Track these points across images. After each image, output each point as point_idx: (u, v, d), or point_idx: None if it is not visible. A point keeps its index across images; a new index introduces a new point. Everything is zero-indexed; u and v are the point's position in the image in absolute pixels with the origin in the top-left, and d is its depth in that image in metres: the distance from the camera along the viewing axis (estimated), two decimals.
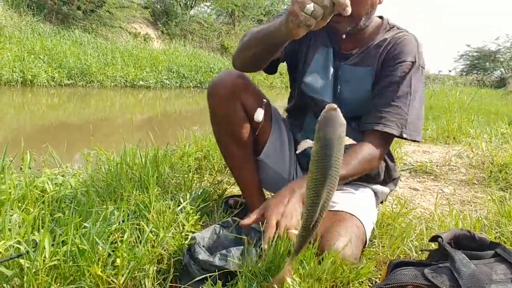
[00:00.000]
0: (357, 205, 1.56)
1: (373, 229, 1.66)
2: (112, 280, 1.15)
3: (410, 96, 1.49)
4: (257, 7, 23.53)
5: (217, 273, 1.19)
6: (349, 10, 1.01)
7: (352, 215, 1.48)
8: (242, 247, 1.27)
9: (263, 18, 23.54)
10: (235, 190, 2.19)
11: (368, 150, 1.47)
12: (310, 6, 1.00)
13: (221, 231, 1.42)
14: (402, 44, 1.54)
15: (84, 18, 14.04)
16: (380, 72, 1.56)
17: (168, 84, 13.34)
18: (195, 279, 1.21)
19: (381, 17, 1.64)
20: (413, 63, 1.51)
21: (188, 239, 1.39)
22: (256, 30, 1.40)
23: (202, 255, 1.25)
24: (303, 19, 1.03)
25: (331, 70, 1.63)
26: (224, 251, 1.26)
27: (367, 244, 1.51)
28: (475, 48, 31.10)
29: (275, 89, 17.20)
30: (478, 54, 30.97)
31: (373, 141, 1.50)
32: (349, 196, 1.63)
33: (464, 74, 31.26)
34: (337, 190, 1.66)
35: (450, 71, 31.58)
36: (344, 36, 1.57)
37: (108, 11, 14.60)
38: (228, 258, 1.22)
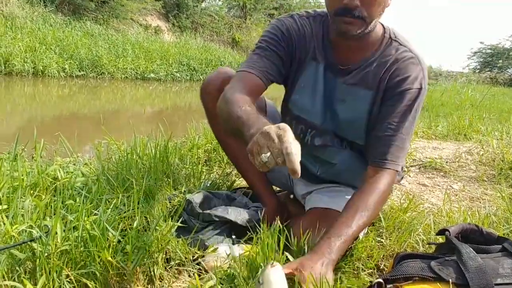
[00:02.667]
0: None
1: (381, 220, 1.65)
2: (121, 266, 1.17)
3: (413, 126, 1.45)
4: (268, 0, 23.44)
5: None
6: (297, 176, 0.98)
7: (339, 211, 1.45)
8: (239, 208, 1.54)
9: (275, 12, 23.42)
10: (244, 182, 2.20)
11: (376, 195, 1.39)
12: (264, 157, 0.99)
13: (214, 198, 1.62)
14: (406, 69, 1.44)
15: (95, 10, 14.09)
16: (382, 99, 1.47)
17: (179, 77, 13.36)
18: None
19: (383, 26, 1.52)
20: (420, 89, 1.43)
21: (183, 200, 1.55)
22: (238, 109, 1.23)
23: (202, 210, 1.50)
24: (257, 163, 1.01)
25: (322, 86, 1.53)
26: (223, 206, 1.53)
27: (358, 239, 1.47)
28: (488, 45, 30.79)
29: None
30: (491, 52, 30.60)
31: (381, 177, 1.42)
32: (339, 194, 1.62)
33: (477, 71, 30.87)
34: (328, 190, 1.69)
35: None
36: (346, 41, 1.45)
37: (119, 2, 14.63)
38: (229, 210, 1.48)
